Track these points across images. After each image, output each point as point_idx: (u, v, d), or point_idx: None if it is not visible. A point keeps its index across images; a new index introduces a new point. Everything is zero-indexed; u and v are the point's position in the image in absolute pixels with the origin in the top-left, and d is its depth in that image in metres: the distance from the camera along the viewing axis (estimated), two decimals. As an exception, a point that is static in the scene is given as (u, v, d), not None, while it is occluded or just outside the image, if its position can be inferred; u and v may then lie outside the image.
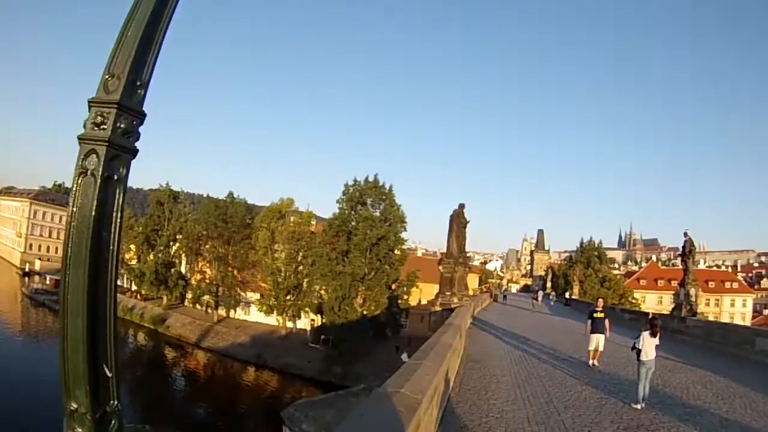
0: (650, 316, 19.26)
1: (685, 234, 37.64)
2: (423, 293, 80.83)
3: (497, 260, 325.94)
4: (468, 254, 48.28)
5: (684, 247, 38.38)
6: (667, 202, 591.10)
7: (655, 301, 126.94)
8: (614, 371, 20.18)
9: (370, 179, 79.03)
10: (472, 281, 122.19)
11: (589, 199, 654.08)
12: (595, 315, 22.00)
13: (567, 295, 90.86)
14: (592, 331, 21.44)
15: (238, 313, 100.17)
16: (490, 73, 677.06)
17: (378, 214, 77.92)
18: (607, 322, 21.73)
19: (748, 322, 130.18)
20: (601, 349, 21.29)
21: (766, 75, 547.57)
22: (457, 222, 40.82)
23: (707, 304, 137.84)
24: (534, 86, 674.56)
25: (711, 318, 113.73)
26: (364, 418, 6.23)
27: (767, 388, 17.97)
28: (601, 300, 24.19)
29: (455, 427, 11.91)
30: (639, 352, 15.43)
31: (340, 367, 68.03)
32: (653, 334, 15.63)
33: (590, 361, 21.28)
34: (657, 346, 15.79)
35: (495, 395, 15.39)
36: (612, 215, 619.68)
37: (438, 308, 38.40)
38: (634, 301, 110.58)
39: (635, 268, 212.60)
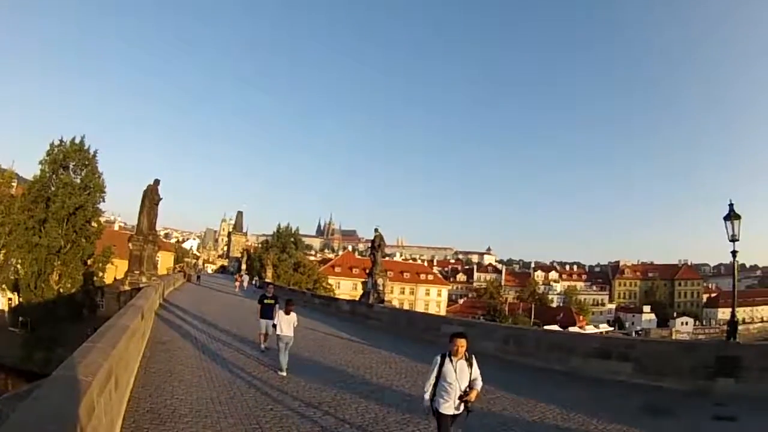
0: (288, 298, 20.36)
1: (376, 230, 39.90)
2: (119, 270, 73.62)
3: (195, 239, 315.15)
4: (166, 231, 47.05)
5: (374, 241, 40.39)
6: (372, 197, 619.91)
7: (350, 288, 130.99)
8: (295, 353, 20.09)
9: (77, 140, 72.24)
10: (168, 260, 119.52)
11: (292, 186, 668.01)
12: (265, 301, 22.45)
13: (255, 279, 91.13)
14: (262, 316, 21.90)
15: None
16: (200, 51, 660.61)
17: (79, 180, 70.82)
18: (276, 307, 21.54)
19: (443, 310, 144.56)
20: (270, 332, 20.84)
21: (472, 85, 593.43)
22: (150, 198, 39.56)
23: (402, 292, 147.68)
24: (241, 70, 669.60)
25: (406, 306, 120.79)
26: (35, 406, 5.87)
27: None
28: (271, 287, 25.03)
29: (141, 410, 11.60)
30: (275, 327, 17.52)
31: (42, 353, 60.46)
32: (287, 312, 17.94)
33: (262, 345, 21.62)
34: (295, 325, 18.16)
35: (180, 377, 15.26)
36: (314, 204, 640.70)
37: (127, 287, 36.99)
38: (328, 286, 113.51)
39: (332, 256, 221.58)
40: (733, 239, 18.55)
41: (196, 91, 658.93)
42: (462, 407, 8.83)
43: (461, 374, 8.83)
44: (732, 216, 18.55)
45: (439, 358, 9.15)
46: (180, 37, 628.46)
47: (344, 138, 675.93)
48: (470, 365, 8.97)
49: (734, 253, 18.84)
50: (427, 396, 9.09)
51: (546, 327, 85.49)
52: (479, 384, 8.98)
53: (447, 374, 8.88)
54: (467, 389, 8.79)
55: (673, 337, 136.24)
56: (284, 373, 16.62)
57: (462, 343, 9.00)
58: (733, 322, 19.31)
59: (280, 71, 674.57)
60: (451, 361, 8.96)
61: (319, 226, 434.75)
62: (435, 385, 9.00)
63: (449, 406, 8.79)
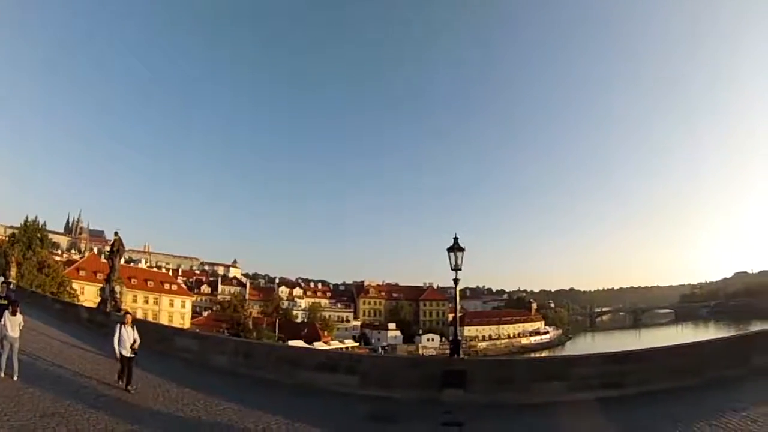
0: (12, 299, 20.48)
1: (116, 233, 38.95)
2: None
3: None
4: None
5: (113, 245, 39.45)
6: (124, 197, 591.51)
7: (95, 294, 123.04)
8: (31, 362, 20.00)
9: None
10: None
11: (43, 174, 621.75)
12: None
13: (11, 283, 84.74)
14: None
15: None
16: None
17: None
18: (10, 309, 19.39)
19: (188, 323, 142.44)
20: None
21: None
22: None
23: (146, 302, 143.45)
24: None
25: (150, 316, 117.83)
26: None
27: (182, 378, 20.20)
28: (4, 286, 24.37)
29: None
30: (3, 327, 17.70)
31: None
32: (13, 313, 18.35)
33: None
34: (20, 324, 18.36)
35: None
36: (65, 196, 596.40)
37: None
38: (72, 291, 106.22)
39: (78, 257, 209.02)
40: (456, 268, 20.48)
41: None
42: (132, 353, 17.77)
43: (129, 335, 17.96)
44: (455, 248, 20.53)
45: (119, 326, 18.25)
46: None
47: (97, 130, 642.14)
48: (133, 329, 18.20)
49: (456, 280, 20.78)
50: (115, 346, 17.86)
51: (291, 342, 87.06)
52: (137, 341, 18.00)
53: (123, 334, 17.95)
54: (133, 342, 17.93)
55: (420, 353, 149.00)
56: (3, 375, 17.04)
57: (128, 318, 18.78)
58: (456, 340, 21.25)
59: (42, 50, 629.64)
60: (124, 327, 18.18)
61: (67, 222, 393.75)
62: (119, 341, 17.86)
63: (126, 351, 17.70)
